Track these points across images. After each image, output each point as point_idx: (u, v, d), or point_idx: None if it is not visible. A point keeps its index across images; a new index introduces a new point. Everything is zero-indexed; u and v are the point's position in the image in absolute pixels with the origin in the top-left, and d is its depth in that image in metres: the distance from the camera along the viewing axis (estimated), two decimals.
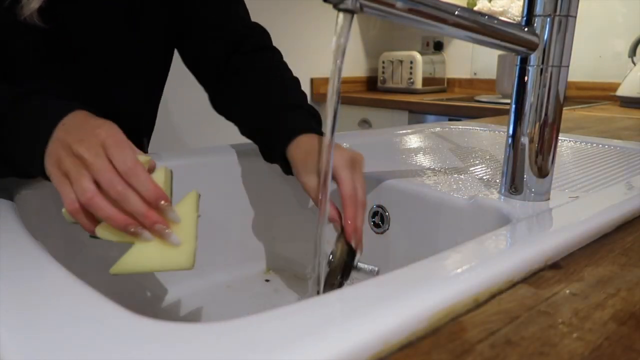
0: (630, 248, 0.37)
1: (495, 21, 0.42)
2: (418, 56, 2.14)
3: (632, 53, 1.65)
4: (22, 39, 0.50)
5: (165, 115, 1.90)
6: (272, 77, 0.62)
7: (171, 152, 0.65)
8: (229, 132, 0.74)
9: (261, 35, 0.67)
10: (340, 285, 0.45)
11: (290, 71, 0.64)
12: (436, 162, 0.66)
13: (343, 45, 0.37)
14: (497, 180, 0.56)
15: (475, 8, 1.84)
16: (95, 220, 0.37)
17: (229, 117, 0.64)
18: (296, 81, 0.62)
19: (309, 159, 0.50)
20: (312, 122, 0.55)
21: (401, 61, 2.17)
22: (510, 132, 0.47)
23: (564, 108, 0.48)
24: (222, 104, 0.65)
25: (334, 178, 0.48)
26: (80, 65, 0.55)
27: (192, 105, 1.93)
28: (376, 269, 0.47)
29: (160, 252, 0.36)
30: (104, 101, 0.52)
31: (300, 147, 0.52)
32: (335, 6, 0.35)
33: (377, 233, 0.60)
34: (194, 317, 0.59)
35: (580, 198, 0.48)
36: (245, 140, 0.65)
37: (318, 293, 0.46)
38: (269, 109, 0.57)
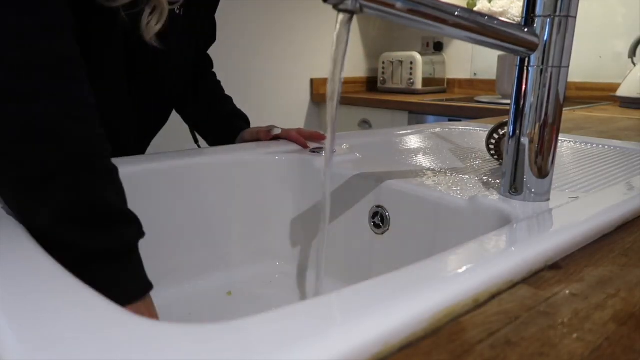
0: (630, 248, 0.37)
1: (495, 22, 0.42)
2: (418, 57, 2.14)
3: (632, 54, 1.65)
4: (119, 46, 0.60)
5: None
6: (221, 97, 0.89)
7: (171, 152, 0.65)
8: None
9: (210, 62, 0.91)
10: None
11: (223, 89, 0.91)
12: (436, 162, 0.66)
13: (343, 46, 0.37)
14: (497, 181, 0.56)
15: (475, 8, 1.84)
16: None
17: (196, 126, 0.86)
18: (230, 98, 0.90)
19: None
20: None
21: (401, 62, 2.17)
22: (510, 132, 0.47)
23: (564, 108, 0.48)
24: (191, 115, 0.86)
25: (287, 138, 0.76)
26: (146, 78, 0.67)
27: None
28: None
29: None
30: (145, 108, 0.69)
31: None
32: (335, 7, 0.35)
33: (377, 233, 0.60)
34: (193, 317, 0.59)
35: (580, 198, 0.48)
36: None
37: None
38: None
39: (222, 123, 0.84)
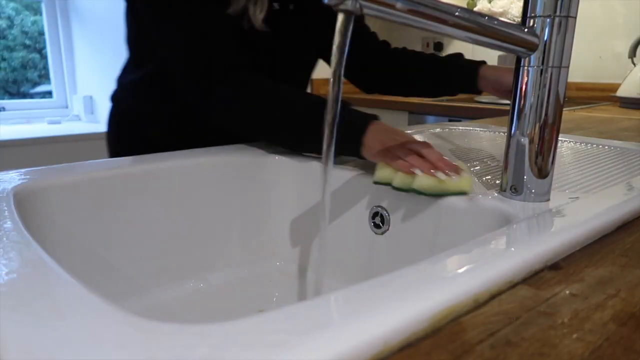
0: (630, 249, 0.37)
1: (495, 22, 0.42)
2: None
3: (632, 54, 1.65)
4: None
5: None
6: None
7: (171, 152, 0.65)
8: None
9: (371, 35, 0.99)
10: None
11: None
12: None
13: (343, 46, 0.37)
14: (497, 181, 0.56)
15: (475, 9, 1.84)
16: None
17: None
18: None
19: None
20: None
21: None
22: (511, 132, 0.47)
23: (564, 109, 0.48)
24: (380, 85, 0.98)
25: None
26: (269, 58, 0.78)
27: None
28: None
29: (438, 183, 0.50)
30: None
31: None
32: (335, 7, 0.35)
33: (377, 234, 0.60)
34: (194, 317, 0.59)
35: (580, 199, 0.48)
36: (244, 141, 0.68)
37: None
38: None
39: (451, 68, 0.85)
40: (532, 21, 0.44)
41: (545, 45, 0.44)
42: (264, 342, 0.22)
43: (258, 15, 0.73)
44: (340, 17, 0.36)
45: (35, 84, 2.18)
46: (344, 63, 0.38)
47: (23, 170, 0.53)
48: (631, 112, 1.44)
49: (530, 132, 0.46)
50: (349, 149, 0.58)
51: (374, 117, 0.59)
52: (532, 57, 0.45)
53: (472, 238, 0.35)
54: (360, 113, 0.60)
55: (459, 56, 0.87)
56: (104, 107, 2.07)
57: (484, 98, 1.86)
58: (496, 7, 1.78)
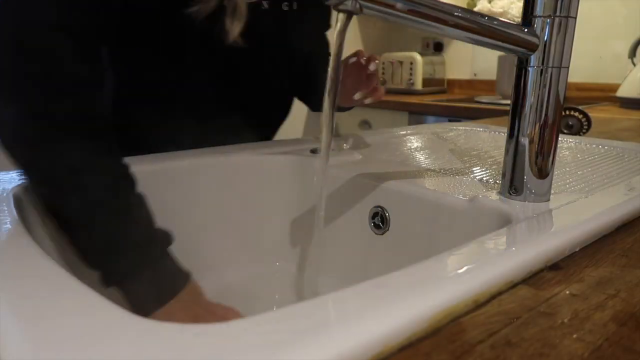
0: (630, 249, 0.37)
1: (495, 22, 0.42)
2: (418, 57, 2.14)
3: (632, 54, 1.65)
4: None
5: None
6: None
7: (170, 152, 0.65)
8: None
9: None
10: None
11: None
12: (436, 163, 0.66)
13: (342, 46, 0.37)
14: (497, 181, 0.56)
15: (475, 9, 1.84)
16: None
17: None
18: None
19: None
20: None
21: (401, 62, 2.17)
22: (510, 133, 0.47)
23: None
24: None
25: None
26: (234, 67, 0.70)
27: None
28: None
29: None
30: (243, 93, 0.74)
31: None
32: (335, 7, 0.35)
33: (377, 234, 0.60)
34: None
35: (580, 199, 0.48)
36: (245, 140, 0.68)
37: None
38: None
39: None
40: (532, 21, 0.44)
41: (545, 45, 0.44)
42: (264, 342, 0.22)
43: (235, 27, 0.60)
44: (341, 17, 0.36)
45: None
46: (342, 65, 0.38)
47: None
48: (631, 112, 1.44)
49: (530, 132, 0.46)
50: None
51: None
52: (532, 57, 0.45)
53: (472, 238, 0.35)
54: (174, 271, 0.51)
55: None
56: None
57: (484, 98, 1.86)
58: (496, 7, 1.78)
